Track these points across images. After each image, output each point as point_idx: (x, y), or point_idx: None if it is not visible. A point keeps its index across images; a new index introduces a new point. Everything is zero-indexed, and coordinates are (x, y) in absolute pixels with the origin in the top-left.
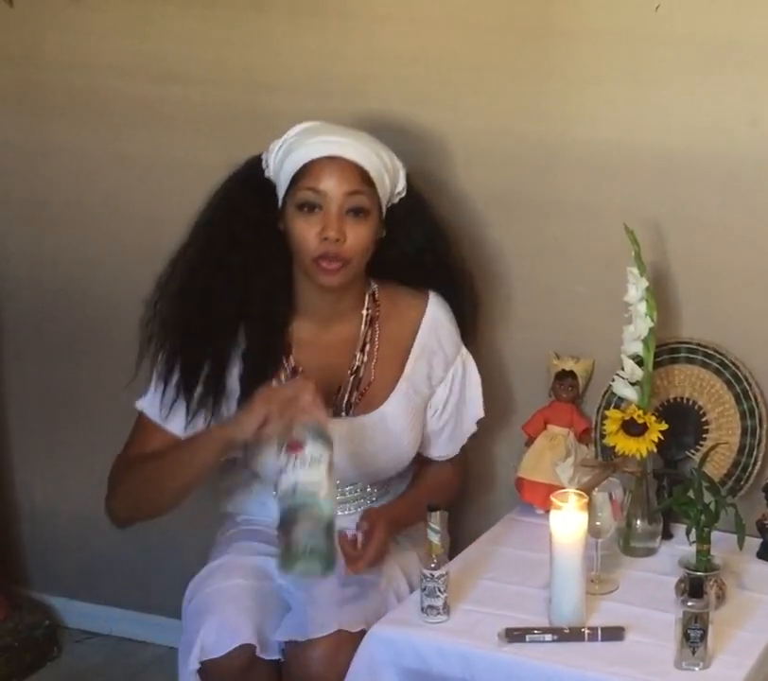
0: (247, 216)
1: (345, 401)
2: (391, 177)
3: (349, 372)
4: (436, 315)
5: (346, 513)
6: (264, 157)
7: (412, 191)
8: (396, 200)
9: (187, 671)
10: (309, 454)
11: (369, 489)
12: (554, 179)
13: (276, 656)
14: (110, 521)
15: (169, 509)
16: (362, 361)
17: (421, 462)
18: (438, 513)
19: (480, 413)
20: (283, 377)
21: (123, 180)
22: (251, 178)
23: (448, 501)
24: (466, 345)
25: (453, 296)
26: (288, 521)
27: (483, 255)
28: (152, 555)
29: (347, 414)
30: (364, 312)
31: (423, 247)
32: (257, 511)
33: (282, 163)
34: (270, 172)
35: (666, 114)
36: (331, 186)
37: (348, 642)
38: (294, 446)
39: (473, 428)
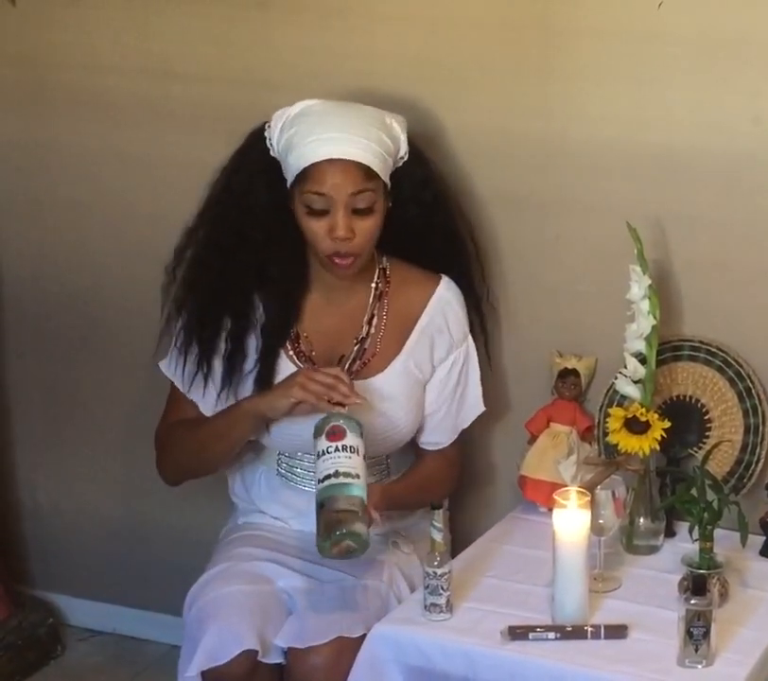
0: (257, 194)
1: (347, 369)
2: (393, 154)
3: (354, 341)
4: (446, 296)
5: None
6: (267, 135)
7: (415, 150)
8: (400, 163)
9: (186, 677)
10: (349, 443)
11: (377, 461)
12: (557, 177)
13: (279, 660)
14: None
15: (217, 471)
16: (368, 333)
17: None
18: (441, 511)
19: (480, 407)
20: (288, 345)
21: (126, 178)
22: (256, 155)
23: (440, 496)
24: (473, 334)
25: (461, 267)
26: (326, 504)
27: (486, 254)
28: (156, 553)
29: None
30: (373, 285)
31: (430, 207)
32: (264, 495)
33: (285, 153)
34: (274, 152)
35: (668, 113)
36: (336, 191)
37: (348, 649)
38: (336, 435)
39: (467, 422)
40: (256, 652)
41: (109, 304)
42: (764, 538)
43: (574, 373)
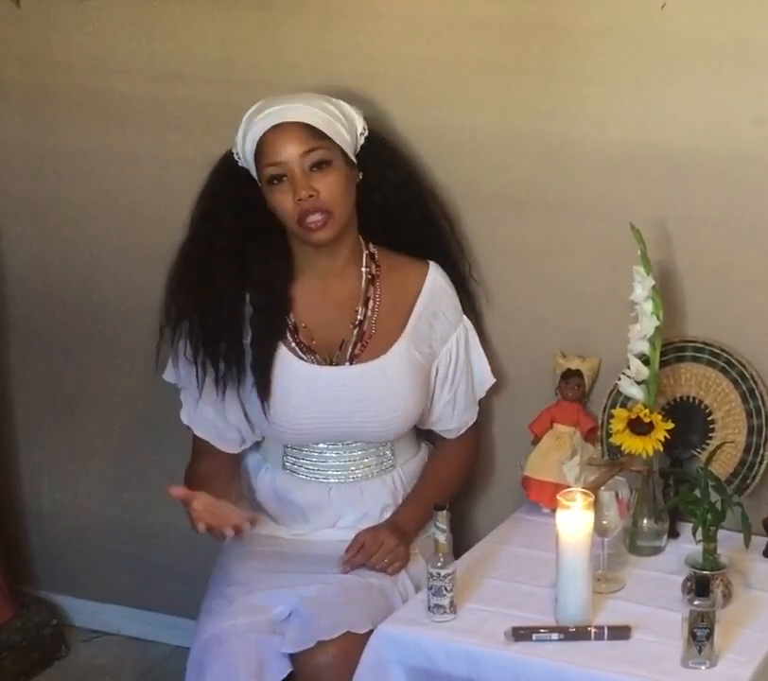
0: (228, 202)
1: (349, 353)
2: (345, 124)
3: (352, 325)
4: (438, 280)
5: (372, 477)
6: (233, 149)
7: (375, 133)
8: (362, 140)
9: None
10: None
11: (382, 450)
12: (560, 177)
13: (285, 673)
14: None
15: None
16: (365, 315)
17: (432, 449)
18: (444, 512)
19: (490, 379)
20: (288, 338)
21: (130, 179)
22: (228, 168)
23: (459, 487)
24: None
25: (440, 244)
26: None
27: (489, 254)
28: (160, 554)
29: (351, 365)
30: (364, 270)
31: (401, 186)
32: (268, 495)
33: (244, 148)
34: (242, 162)
35: (672, 113)
36: (286, 154)
37: (356, 645)
38: None
39: (481, 394)
40: None
41: (113, 305)
42: (767, 539)
43: (578, 374)
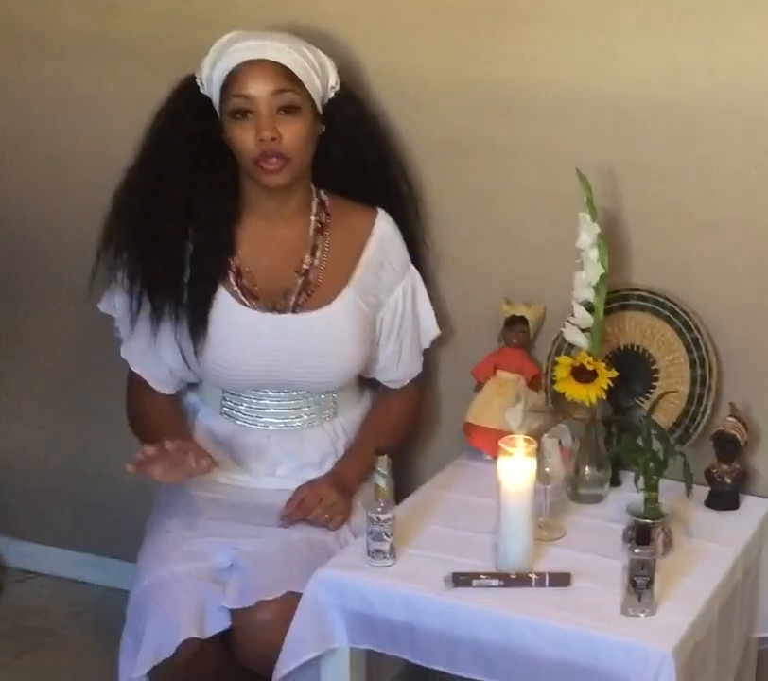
0: (184, 129)
1: (292, 302)
2: (319, 73)
3: (297, 274)
4: (386, 230)
5: (313, 425)
6: (197, 75)
7: (346, 88)
8: (331, 94)
9: (133, 678)
10: None
11: (324, 399)
12: (508, 123)
13: (225, 626)
14: None
15: None
16: (311, 264)
17: (375, 398)
18: (385, 457)
19: (435, 331)
20: (232, 281)
21: (67, 113)
22: (187, 94)
23: (404, 437)
24: (415, 265)
25: (396, 206)
26: None
27: (435, 200)
28: (95, 495)
29: (294, 314)
30: (313, 218)
31: (364, 144)
32: (206, 440)
33: (211, 76)
34: (204, 88)
35: (623, 60)
36: (257, 89)
37: (297, 604)
38: None
39: (428, 344)
40: (197, 638)
41: (50, 238)
42: (709, 489)
43: (522, 320)
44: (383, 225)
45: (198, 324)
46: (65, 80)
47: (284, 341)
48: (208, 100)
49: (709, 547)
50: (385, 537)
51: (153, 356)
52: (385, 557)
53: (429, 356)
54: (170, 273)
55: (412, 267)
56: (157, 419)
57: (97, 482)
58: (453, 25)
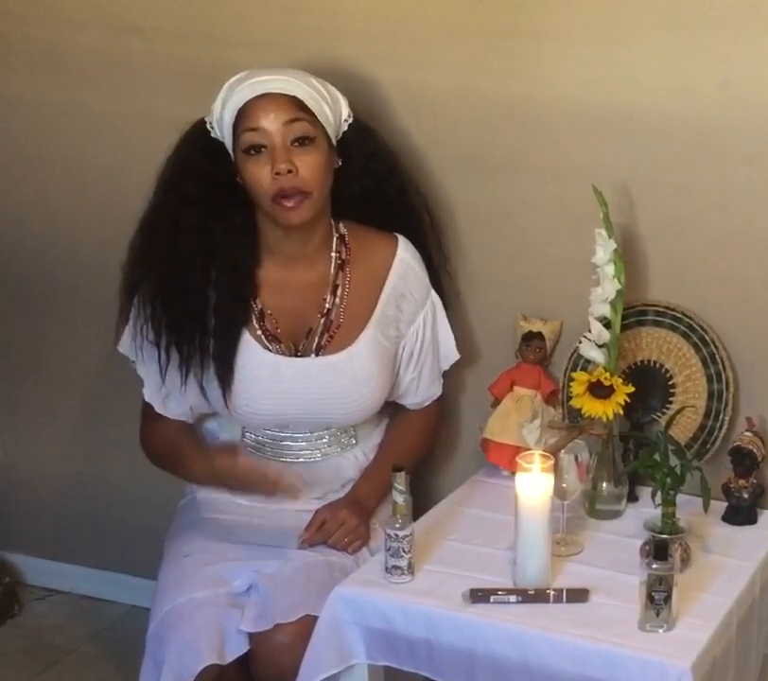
0: (196, 173)
1: (315, 343)
2: (330, 105)
3: (319, 315)
4: (405, 258)
5: (332, 457)
6: (207, 119)
7: (360, 121)
8: (345, 127)
9: None
10: None
11: (342, 436)
12: (523, 139)
13: (245, 649)
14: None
15: None
16: (333, 304)
17: (393, 416)
18: (403, 473)
19: (455, 355)
20: (254, 325)
21: (84, 134)
22: (198, 137)
23: (421, 455)
24: (435, 289)
25: (418, 237)
26: None
27: (452, 216)
28: (115, 512)
29: (317, 356)
30: (333, 254)
31: (383, 178)
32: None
33: (222, 116)
34: (215, 132)
35: (637, 75)
36: (268, 122)
37: (314, 627)
38: None
39: (446, 367)
40: (217, 664)
41: (70, 260)
42: (726, 504)
43: (539, 336)
44: (403, 255)
45: (225, 374)
46: (84, 100)
47: (307, 384)
48: (219, 145)
49: (727, 562)
50: (403, 554)
51: (177, 397)
52: (403, 573)
53: (446, 372)
54: (196, 323)
55: (433, 292)
56: (182, 441)
57: (117, 500)
58: (469, 42)
